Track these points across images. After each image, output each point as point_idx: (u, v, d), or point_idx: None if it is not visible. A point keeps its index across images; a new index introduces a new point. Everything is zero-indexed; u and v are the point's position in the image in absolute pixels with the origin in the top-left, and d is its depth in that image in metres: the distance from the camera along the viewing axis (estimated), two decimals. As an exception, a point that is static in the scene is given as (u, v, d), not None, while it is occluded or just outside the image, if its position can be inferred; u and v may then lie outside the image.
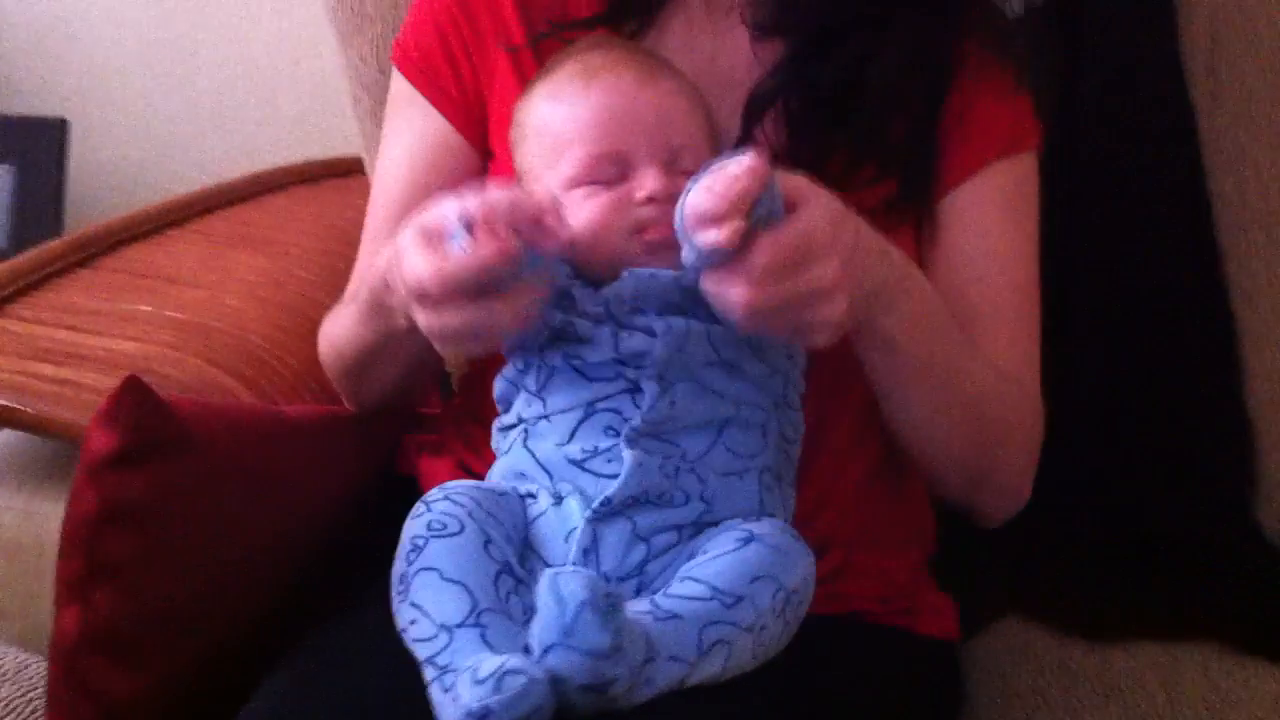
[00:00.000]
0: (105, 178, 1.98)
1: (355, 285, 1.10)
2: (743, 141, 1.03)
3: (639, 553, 0.89)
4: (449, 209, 0.83)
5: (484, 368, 1.04)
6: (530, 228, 0.82)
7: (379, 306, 0.94)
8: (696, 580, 0.85)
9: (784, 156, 1.01)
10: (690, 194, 0.81)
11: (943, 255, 1.05)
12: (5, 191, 1.80)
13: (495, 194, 0.82)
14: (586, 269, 0.91)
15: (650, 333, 0.89)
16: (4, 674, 0.99)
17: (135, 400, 0.83)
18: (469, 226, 0.81)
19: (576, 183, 0.92)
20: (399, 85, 1.12)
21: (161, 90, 2.00)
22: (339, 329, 1.05)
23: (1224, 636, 1.12)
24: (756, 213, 0.80)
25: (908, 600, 1.06)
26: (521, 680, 0.76)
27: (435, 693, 0.81)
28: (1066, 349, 1.19)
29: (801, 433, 0.97)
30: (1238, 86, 1.23)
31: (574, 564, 0.88)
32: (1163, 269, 1.18)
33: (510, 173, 1.01)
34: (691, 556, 0.88)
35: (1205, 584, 1.16)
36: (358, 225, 1.14)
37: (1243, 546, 1.20)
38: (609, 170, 0.92)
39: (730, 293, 0.82)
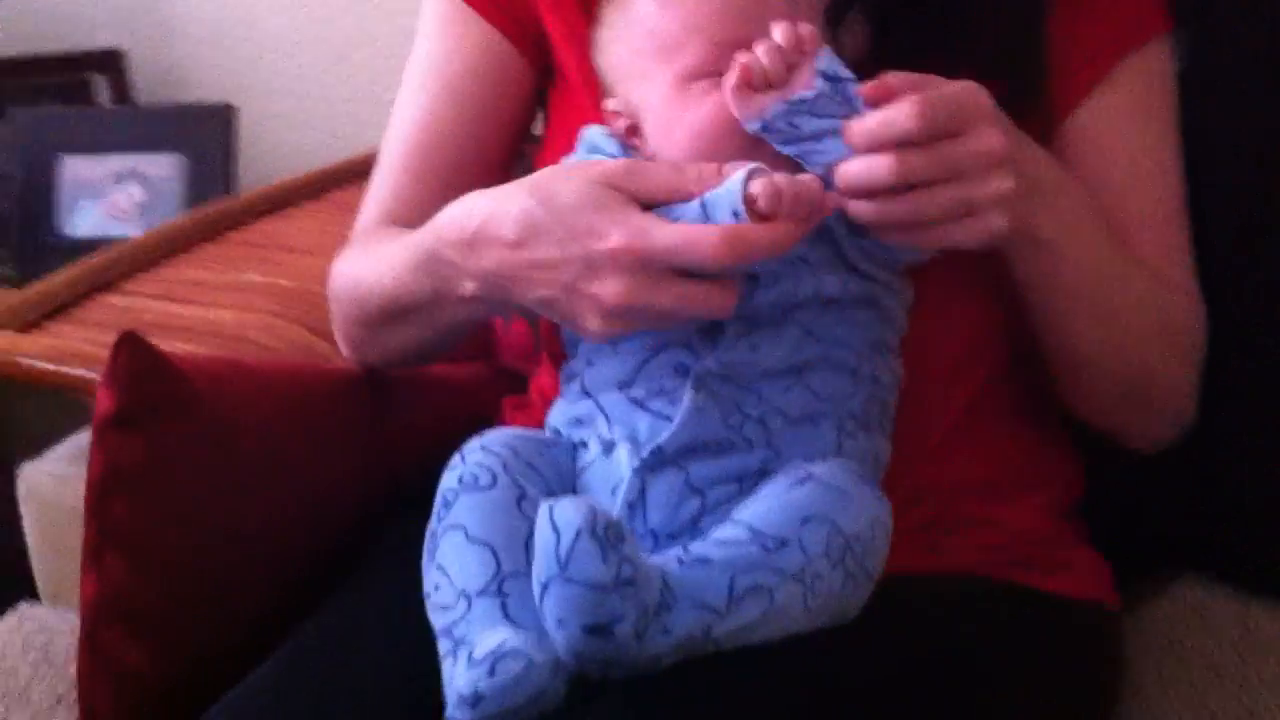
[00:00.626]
0: (275, 162, 2.00)
1: (370, 215, 1.00)
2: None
3: (692, 506, 0.79)
4: (673, 175, 0.75)
5: None
6: (808, 213, 0.73)
7: (441, 262, 0.83)
8: (737, 523, 0.75)
9: (870, 63, 0.89)
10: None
11: (1081, 177, 0.91)
12: (176, 179, 1.83)
13: (778, 174, 0.73)
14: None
15: (752, 274, 0.78)
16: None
17: (132, 358, 0.79)
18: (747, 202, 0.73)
19: (696, 75, 0.81)
20: (432, 1, 1.01)
21: (329, 72, 2.00)
22: (370, 273, 0.92)
23: None
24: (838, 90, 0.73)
25: (1037, 551, 0.92)
26: (519, 664, 0.68)
27: (446, 669, 0.73)
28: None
29: (899, 379, 0.86)
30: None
31: (618, 518, 0.79)
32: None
33: (584, 93, 0.92)
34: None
35: None
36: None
37: None
38: (722, 63, 0.80)
39: (877, 166, 0.73)
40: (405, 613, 0.78)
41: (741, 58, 0.78)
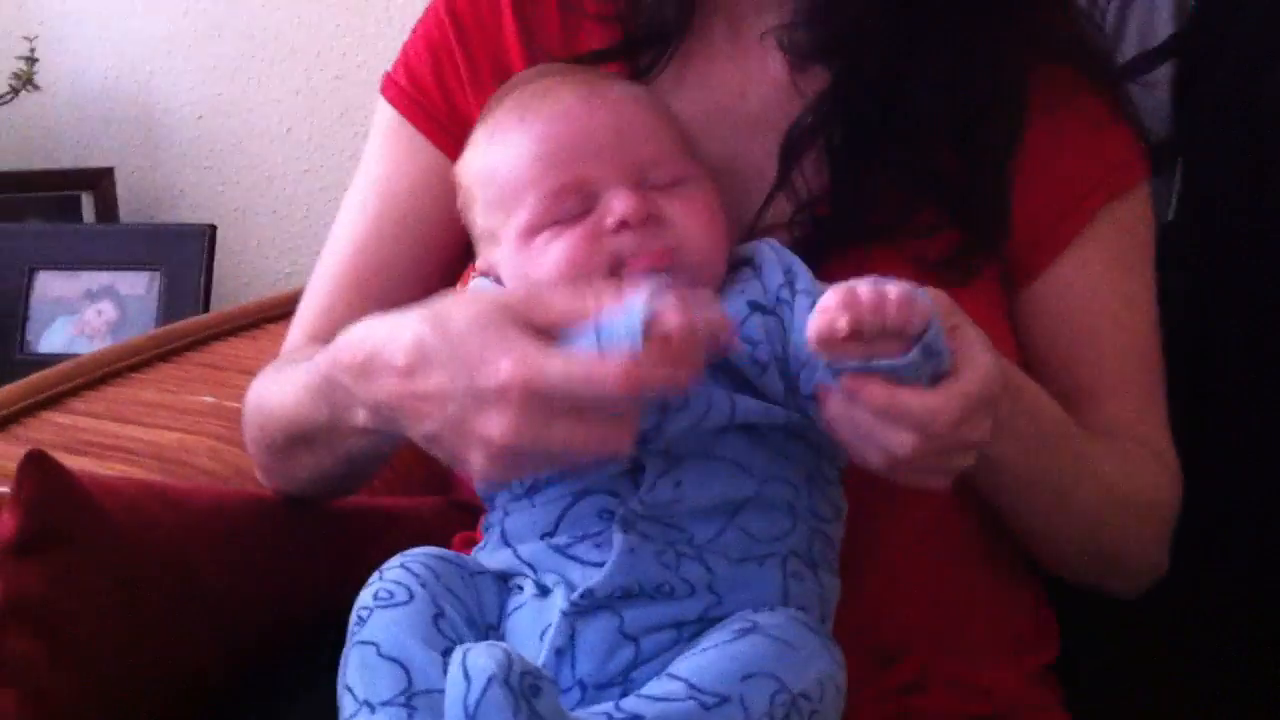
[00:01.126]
0: (254, 285, 2.00)
1: (297, 335, 0.97)
2: (780, 186, 0.87)
3: (625, 655, 0.73)
4: (573, 303, 0.70)
5: None
6: (704, 349, 0.69)
7: (335, 387, 0.78)
8: (674, 677, 0.70)
9: (827, 201, 0.86)
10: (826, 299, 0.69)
11: (1051, 330, 0.90)
12: (153, 297, 1.82)
13: (680, 299, 0.68)
14: None
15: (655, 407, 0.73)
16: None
17: (38, 479, 0.75)
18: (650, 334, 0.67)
19: (537, 228, 0.78)
20: (381, 120, 0.98)
21: (323, 198, 2.00)
22: (274, 396, 0.89)
23: None
24: (929, 363, 0.69)
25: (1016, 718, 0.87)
26: None
27: None
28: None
29: (842, 511, 0.81)
30: None
31: (545, 665, 0.73)
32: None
33: None
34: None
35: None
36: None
37: None
38: (571, 205, 0.78)
39: (896, 440, 0.69)
40: None
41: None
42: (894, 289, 0.68)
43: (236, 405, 1.21)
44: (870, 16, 0.86)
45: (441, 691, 0.67)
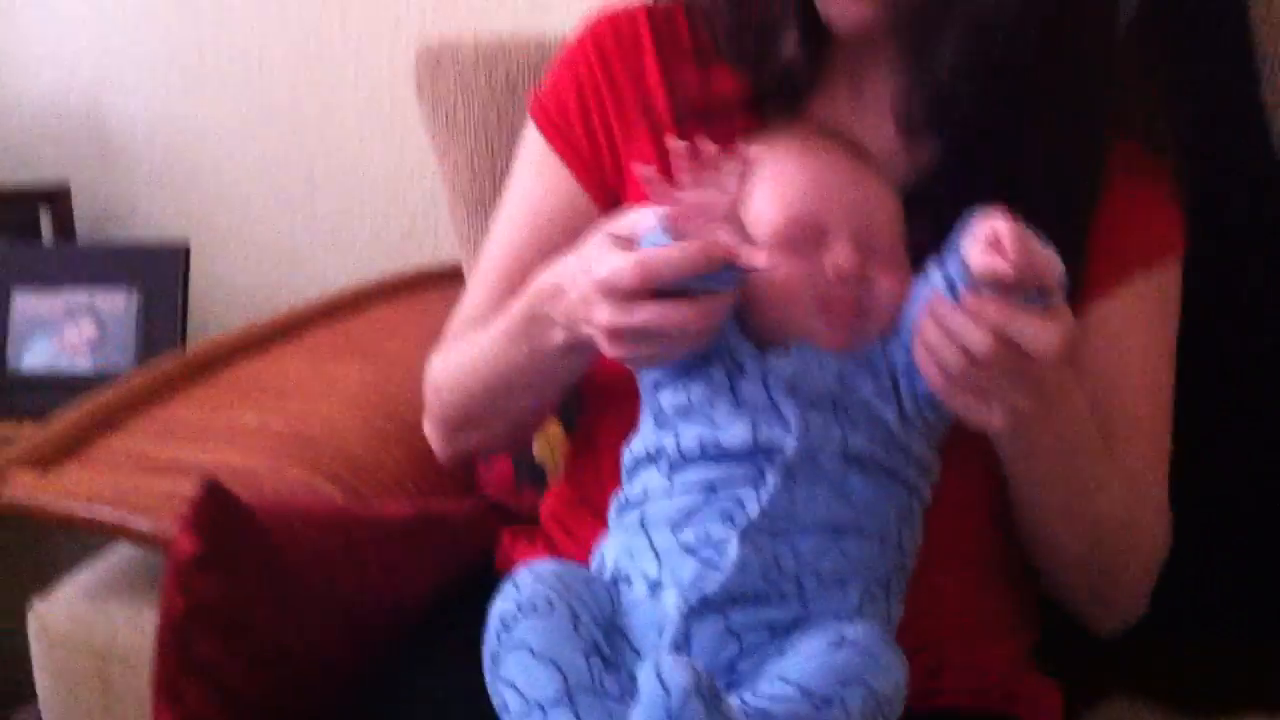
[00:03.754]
0: (226, 298, 2.03)
1: (458, 325, 1.10)
2: None
3: (731, 649, 0.86)
4: (644, 215, 0.87)
5: (596, 454, 1.05)
6: (722, 228, 0.84)
7: (536, 319, 0.95)
8: (786, 681, 0.83)
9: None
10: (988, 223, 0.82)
11: (1079, 366, 0.98)
12: (130, 315, 1.86)
13: (689, 195, 0.83)
14: (758, 329, 0.90)
15: (787, 425, 0.87)
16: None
17: (216, 504, 0.87)
18: (669, 229, 0.84)
19: (769, 245, 0.89)
20: (532, 137, 1.10)
21: (280, 212, 2.04)
22: (467, 356, 1.04)
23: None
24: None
25: (1005, 689, 1.03)
26: None
27: None
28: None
29: (919, 547, 0.94)
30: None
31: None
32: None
33: None
34: (781, 655, 0.86)
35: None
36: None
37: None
38: (803, 239, 0.89)
39: (1044, 332, 0.81)
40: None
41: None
42: (1041, 248, 0.80)
43: (280, 426, 1.31)
44: (979, 93, 0.94)
45: (592, 691, 0.81)
